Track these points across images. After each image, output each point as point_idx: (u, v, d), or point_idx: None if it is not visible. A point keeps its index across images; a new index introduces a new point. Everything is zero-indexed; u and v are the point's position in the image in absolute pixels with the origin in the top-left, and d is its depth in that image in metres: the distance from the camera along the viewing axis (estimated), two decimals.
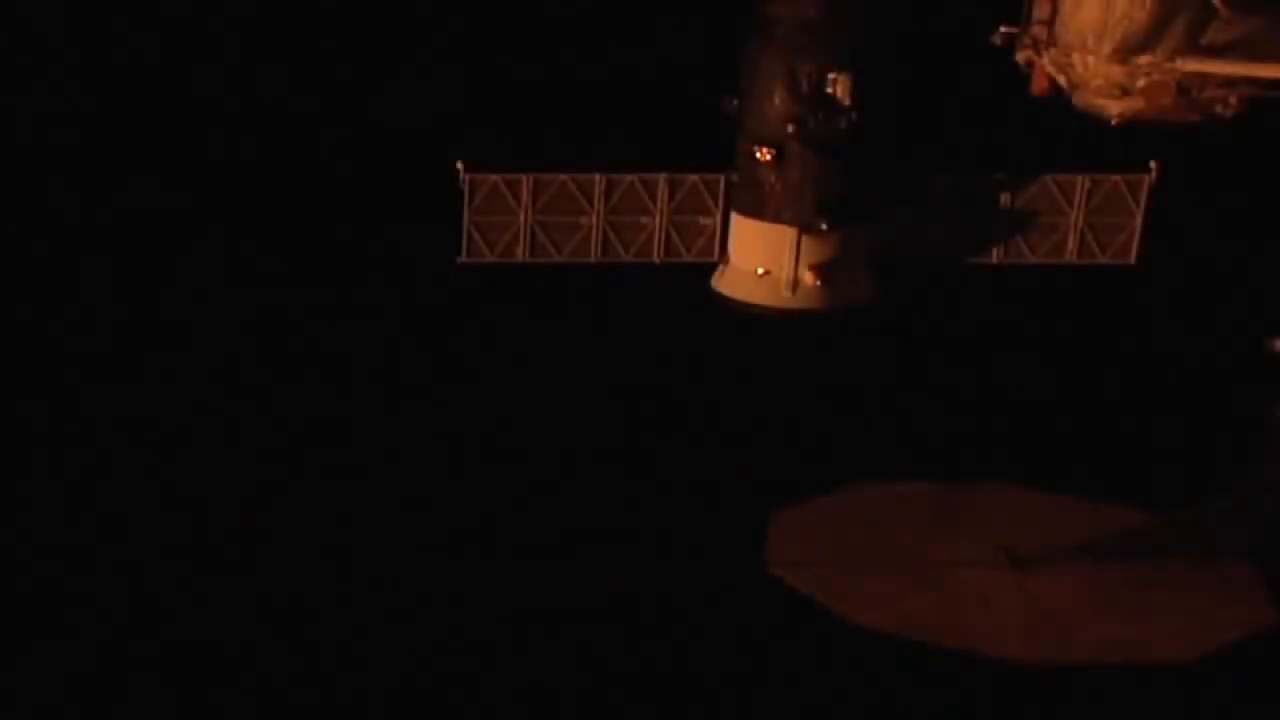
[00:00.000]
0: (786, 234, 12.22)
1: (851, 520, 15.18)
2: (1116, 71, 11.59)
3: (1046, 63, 11.92)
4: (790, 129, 11.89)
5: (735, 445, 15.51)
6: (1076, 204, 12.87)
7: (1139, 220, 12.91)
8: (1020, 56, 12.10)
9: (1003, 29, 12.09)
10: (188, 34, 15.70)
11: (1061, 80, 11.90)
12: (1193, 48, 11.42)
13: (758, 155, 12.03)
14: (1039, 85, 12.03)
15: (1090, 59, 11.63)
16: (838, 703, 13.34)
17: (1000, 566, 14.52)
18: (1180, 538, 14.54)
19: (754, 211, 12.30)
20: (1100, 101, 11.77)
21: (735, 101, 12.17)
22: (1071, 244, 12.95)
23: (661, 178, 12.62)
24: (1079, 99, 11.89)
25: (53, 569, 14.07)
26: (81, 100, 15.76)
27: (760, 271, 12.36)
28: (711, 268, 12.74)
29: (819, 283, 12.28)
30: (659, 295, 13.46)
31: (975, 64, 12.40)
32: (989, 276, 13.20)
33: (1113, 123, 11.78)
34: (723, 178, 12.57)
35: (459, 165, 12.45)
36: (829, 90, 11.87)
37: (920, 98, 13.04)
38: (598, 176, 12.58)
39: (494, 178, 12.53)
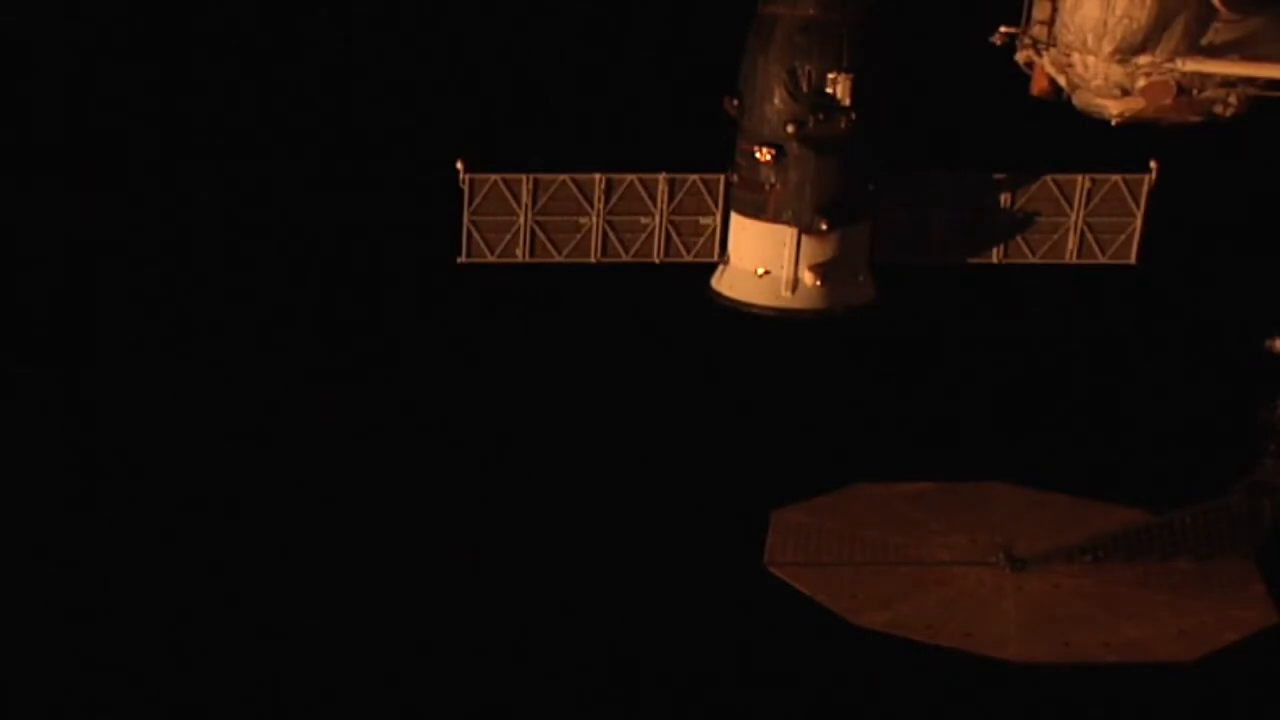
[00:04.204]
0: (786, 234, 12.20)
1: (851, 520, 15.19)
2: (1116, 71, 11.58)
3: (1046, 63, 11.91)
4: (790, 129, 11.87)
5: (735, 445, 15.51)
6: (1076, 204, 12.85)
7: (1139, 220, 12.90)
8: (1020, 56, 12.09)
9: (1003, 29, 12.07)
10: (187, 33, 15.70)
11: (1061, 80, 11.89)
12: (1193, 48, 11.41)
13: (758, 155, 12.01)
14: (1039, 85, 12.02)
15: (1090, 59, 11.62)
16: (838, 703, 13.34)
17: (1000, 566, 14.53)
18: (1180, 538, 14.54)
19: (754, 211, 12.29)
20: (1100, 101, 11.76)
21: (735, 101, 12.15)
22: (1071, 244, 12.94)
23: (661, 178, 12.60)
24: (1079, 99, 11.88)
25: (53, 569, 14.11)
26: (79, 99, 15.76)
27: (760, 271, 12.35)
28: (711, 268, 12.73)
29: (819, 283, 12.27)
30: (659, 295, 13.45)
31: (975, 64, 12.39)
32: (989, 276, 13.19)
33: (1113, 123, 11.77)
34: (723, 178, 12.55)
35: (459, 165, 12.44)
36: (829, 90, 11.85)
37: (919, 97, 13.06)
38: (598, 176, 12.57)
39: (494, 178, 12.51)
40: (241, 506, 14.71)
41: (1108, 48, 11.49)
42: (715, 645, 13.70)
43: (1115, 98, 11.67)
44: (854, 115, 11.86)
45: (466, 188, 12.48)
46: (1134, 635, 13.85)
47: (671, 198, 12.64)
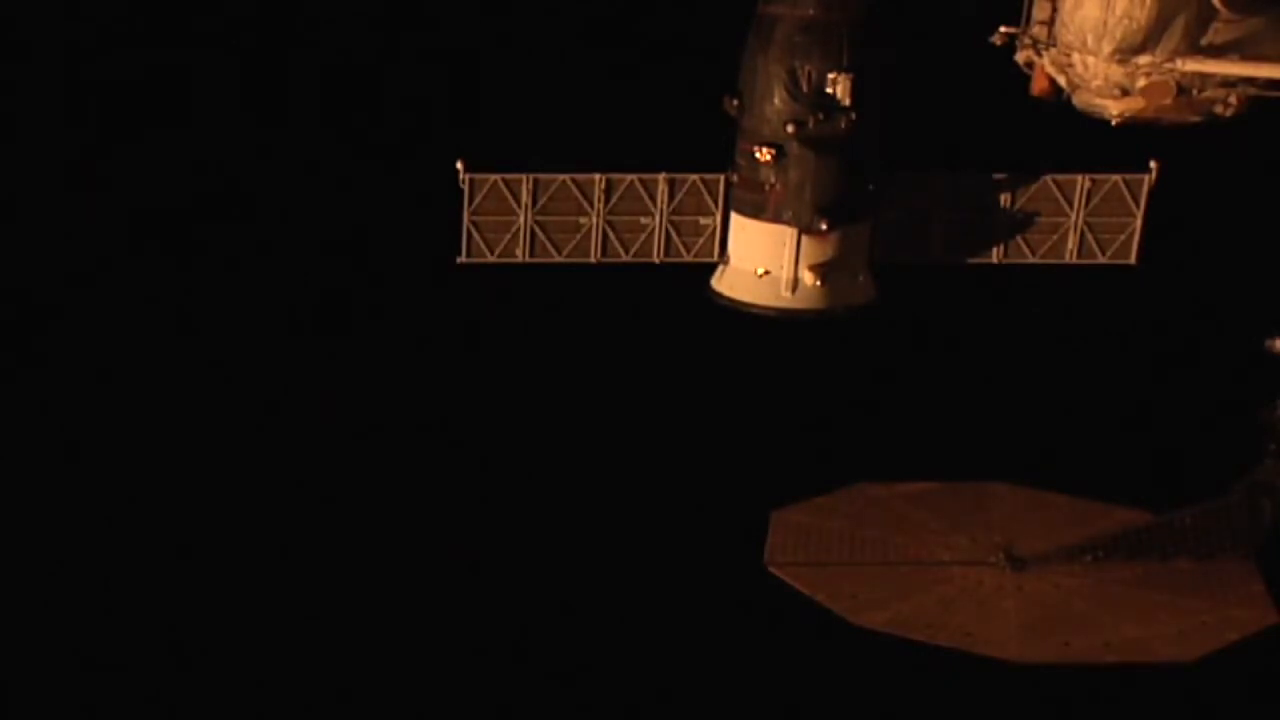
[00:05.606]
0: (786, 234, 12.21)
1: (851, 520, 15.18)
2: (1116, 71, 11.58)
3: (1046, 63, 11.92)
4: (790, 129, 11.88)
5: (735, 445, 15.50)
6: (1076, 204, 12.86)
7: (1139, 220, 12.91)
8: (1020, 56, 12.09)
9: (1003, 29, 12.08)
10: (187, 31, 15.69)
11: (1061, 80, 11.89)
12: (1193, 48, 11.42)
13: (758, 155, 12.02)
14: (1039, 85, 12.02)
15: (1090, 59, 11.62)
16: (838, 703, 13.34)
17: (1000, 566, 14.52)
18: (1180, 538, 14.53)
19: (754, 211, 12.30)
20: (1100, 101, 11.76)
21: (735, 101, 12.16)
22: (1071, 244, 12.95)
23: (661, 178, 12.61)
24: (1079, 99, 11.88)
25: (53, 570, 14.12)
26: (80, 98, 15.76)
27: (760, 271, 12.36)
28: (711, 268, 12.74)
29: (819, 283, 12.28)
30: (659, 295, 13.45)
31: (975, 64, 12.39)
32: (989, 276, 13.20)
33: (1113, 123, 11.78)
34: (723, 178, 12.56)
35: (459, 165, 12.44)
36: (829, 90, 11.86)
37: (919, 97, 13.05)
38: (598, 176, 12.58)
39: (494, 178, 12.52)
40: (241, 506, 14.71)
41: (1108, 48, 11.49)
42: (715, 645, 13.70)
43: (1115, 98, 11.67)
44: (854, 115, 11.88)
45: (466, 188, 12.50)
46: (1134, 635, 13.84)
47: (671, 198, 12.65)
